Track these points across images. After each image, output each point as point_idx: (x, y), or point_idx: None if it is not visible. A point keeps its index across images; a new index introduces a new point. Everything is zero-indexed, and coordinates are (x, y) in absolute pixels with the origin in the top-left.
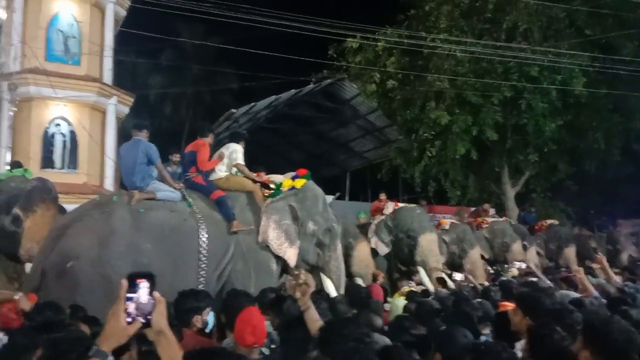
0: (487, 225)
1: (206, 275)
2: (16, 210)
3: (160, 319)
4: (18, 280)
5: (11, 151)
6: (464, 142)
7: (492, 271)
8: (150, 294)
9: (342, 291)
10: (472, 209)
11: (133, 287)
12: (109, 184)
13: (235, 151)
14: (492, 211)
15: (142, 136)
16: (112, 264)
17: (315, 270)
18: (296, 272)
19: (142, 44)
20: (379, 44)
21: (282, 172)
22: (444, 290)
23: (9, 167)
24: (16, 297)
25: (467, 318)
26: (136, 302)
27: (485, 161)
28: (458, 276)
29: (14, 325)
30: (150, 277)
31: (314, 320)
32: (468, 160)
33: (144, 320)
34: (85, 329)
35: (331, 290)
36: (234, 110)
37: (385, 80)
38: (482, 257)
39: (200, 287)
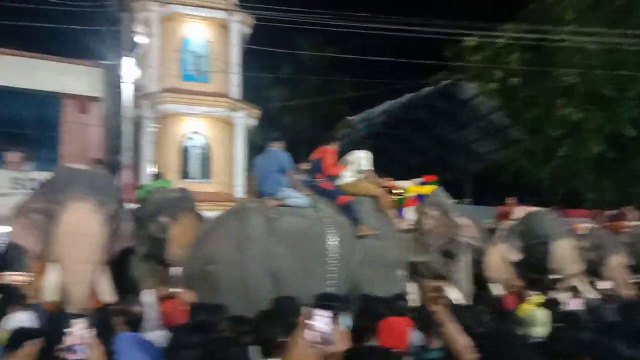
0: (627, 230)
1: (334, 278)
2: (162, 219)
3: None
4: (166, 282)
5: (153, 164)
6: (597, 141)
7: (634, 280)
8: (331, 323)
9: (470, 301)
10: (610, 212)
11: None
12: (239, 192)
13: (362, 157)
14: (635, 215)
15: (276, 147)
16: (249, 267)
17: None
18: (435, 284)
19: (265, 58)
20: (498, 40)
21: (398, 178)
22: (593, 299)
23: (153, 179)
24: (176, 291)
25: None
26: (318, 330)
27: (623, 160)
28: (603, 284)
29: (176, 321)
30: (331, 308)
31: (456, 332)
32: (602, 159)
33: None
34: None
35: (460, 300)
36: (351, 118)
37: (506, 78)
38: (623, 264)
39: (329, 290)
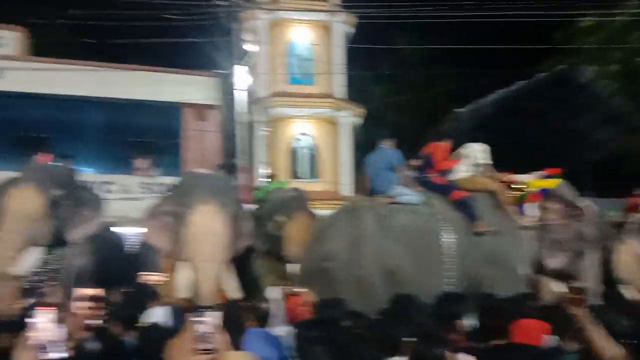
0: None
1: (451, 277)
2: (279, 217)
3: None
4: (284, 279)
5: (266, 166)
6: None
7: None
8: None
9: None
10: None
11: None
12: (345, 190)
13: (478, 150)
14: None
15: (387, 144)
16: (364, 265)
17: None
18: (573, 285)
19: (368, 56)
20: (617, 18)
21: (508, 171)
22: None
23: (268, 180)
24: (299, 291)
25: None
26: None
27: None
28: None
29: (301, 317)
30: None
31: (599, 336)
32: None
33: None
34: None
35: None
36: (458, 110)
37: (628, 59)
38: None
39: (445, 288)
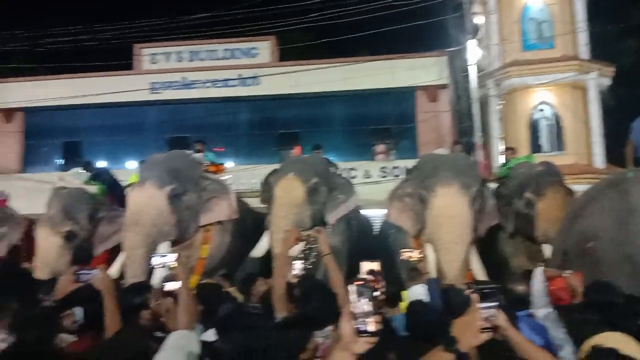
0: None
1: None
2: (528, 194)
3: None
4: (534, 259)
5: (502, 141)
6: None
7: None
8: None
9: None
10: None
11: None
12: (599, 162)
13: None
14: None
15: None
16: (635, 243)
17: None
18: None
19: (613, 6)
20: None
21: None
22: None
23: (509, 156)
24: (565, 274)
25: None
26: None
27: None
28: None
29: (565, 302)
30: None
31: None
32: None
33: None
34: None
35: None
36: None
37: None
38: None
39: None
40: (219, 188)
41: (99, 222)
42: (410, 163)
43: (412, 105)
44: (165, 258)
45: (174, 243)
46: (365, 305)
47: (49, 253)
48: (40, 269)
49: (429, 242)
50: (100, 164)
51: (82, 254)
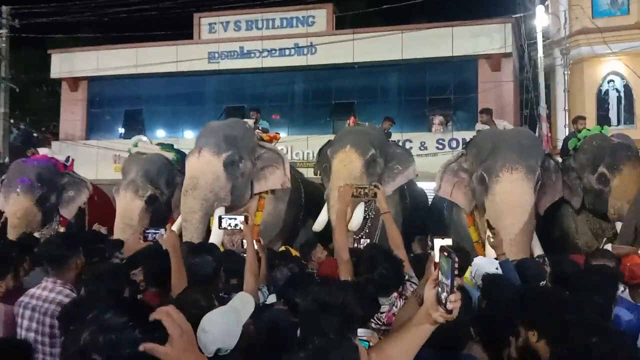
0: None
1: None
2: (602, 169)
3: None
4: (601, 236)
5: (567, 113)
6: None
7: None
8: None
9: None
10: None
11: None
12: None
13: None
14: None
15: None
16: None
17: None
18: None
19: None
20: None
21: None
22: None
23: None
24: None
25: None
26: None
27: None
28: None
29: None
30: None
31: None
32: None
33: None
34: None
35: None
36: None
37: None
38: None
39: None
40: (274, 157)
41: (175, 187)
42: (468, 135)
43: (473, 75)
44: (233, 219)
45: (228, 209)
46: (449, 275)
47: (132, 215)
48: (123, 230)
49: (490, 227)
50: (160, 133)
51: (159, 217)
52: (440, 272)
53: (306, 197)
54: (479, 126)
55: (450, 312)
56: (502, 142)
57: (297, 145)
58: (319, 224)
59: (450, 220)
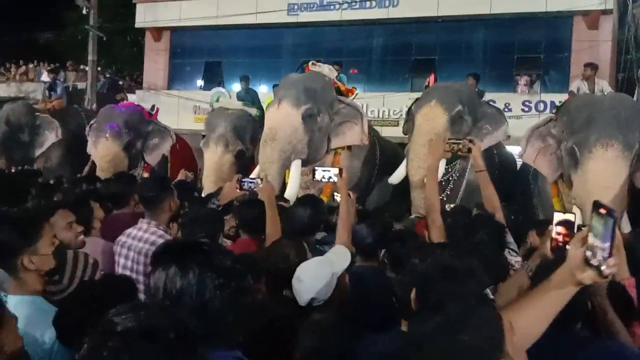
0: None
1: None
2: None
3: None
4: None
5: None
6: None
7: None
8: None
9: None
10: None
11: None
12: None
13: None
14: None
15: None
16: None
17: None
18: None
19: None
20: None
21: None
22: None
23: None
24: None
25: None
26: None
27: None
28: None
29: None
30: None
31: None
32: None
33: None
34: None
35: None
36: None
37: None
38: None
39: None
40: (352, 112)
41: (257, 143)
42: (558, 98)
43: (568, 33)
44: (327, 172)
45: (304, 163)
46: (607, 237)
47: (222, 168)
48: (214, 182)
49: (577, 205)
50: (237, 86)
51: (245, 172)
52: (592, 234)
53: (381, 156)
54: (574, 86)
55: (606, 276)
56: (599, 112)
57: (373, 103)
58: (395, 177)
59: (536, 188)
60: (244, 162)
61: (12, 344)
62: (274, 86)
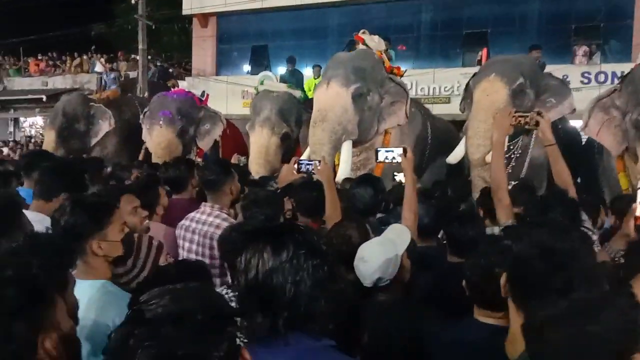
0: None
1: None
2: None
3: None
4: None
5: None
6: None
7: None
8: None
9: None
10: None
11: None
12: None
13: None
14: None
15: None
16: None
17: None
18: None
19: None
20: None
21: None
22: None
23: None
24: None
25: None
26: None
27: None
28: None
29: None
30: None
31: None
32: None
33: None
34: None
35: None
36: None
37: None
38: None
39: None
40: (400, 91)
41: (303, 124)
42: (620, 68)
43: (631, 2)
44: (390, 152)
45: (354, 144)
46: None
47: (269, 151)
48: (262, 165)
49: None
50: (283, 69)
51: (290, 155)
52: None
53: (433, 135)
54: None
55: None
56: None
57: (423, 80)
58: (454, 157)
59: (601, 164)
60: (290, 145)
61: (64, 325)
62: (314, 66)
